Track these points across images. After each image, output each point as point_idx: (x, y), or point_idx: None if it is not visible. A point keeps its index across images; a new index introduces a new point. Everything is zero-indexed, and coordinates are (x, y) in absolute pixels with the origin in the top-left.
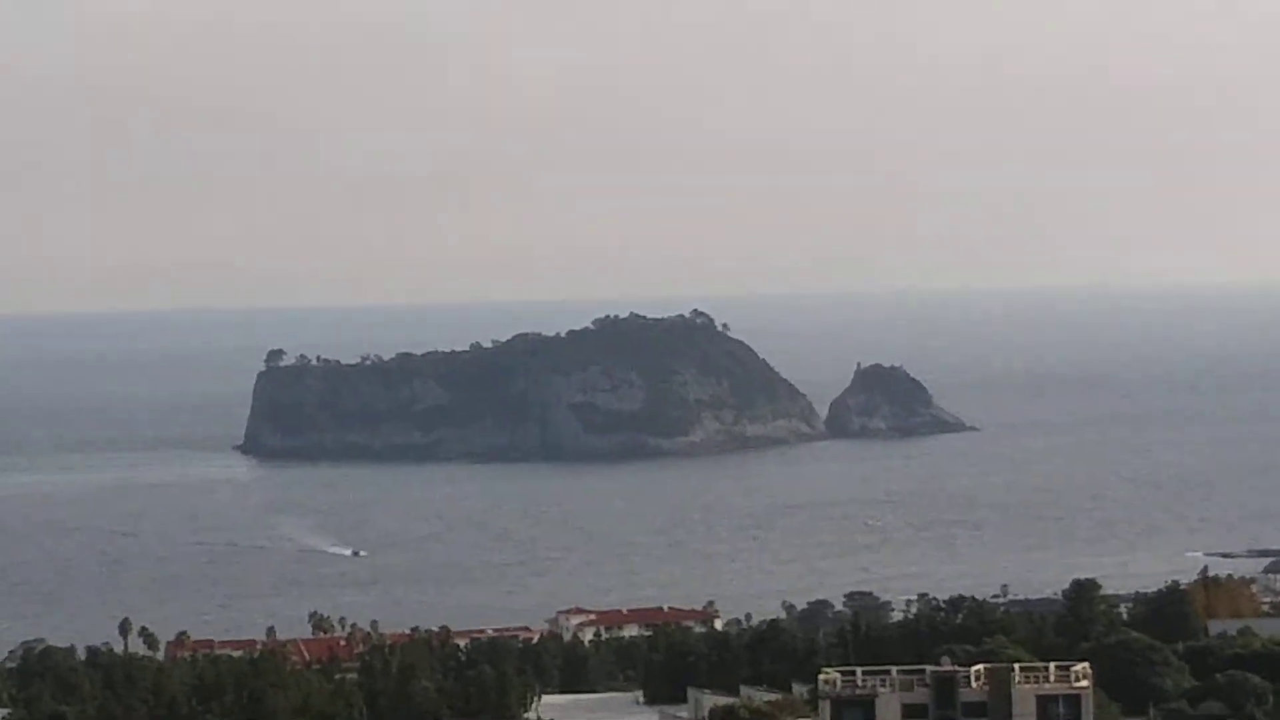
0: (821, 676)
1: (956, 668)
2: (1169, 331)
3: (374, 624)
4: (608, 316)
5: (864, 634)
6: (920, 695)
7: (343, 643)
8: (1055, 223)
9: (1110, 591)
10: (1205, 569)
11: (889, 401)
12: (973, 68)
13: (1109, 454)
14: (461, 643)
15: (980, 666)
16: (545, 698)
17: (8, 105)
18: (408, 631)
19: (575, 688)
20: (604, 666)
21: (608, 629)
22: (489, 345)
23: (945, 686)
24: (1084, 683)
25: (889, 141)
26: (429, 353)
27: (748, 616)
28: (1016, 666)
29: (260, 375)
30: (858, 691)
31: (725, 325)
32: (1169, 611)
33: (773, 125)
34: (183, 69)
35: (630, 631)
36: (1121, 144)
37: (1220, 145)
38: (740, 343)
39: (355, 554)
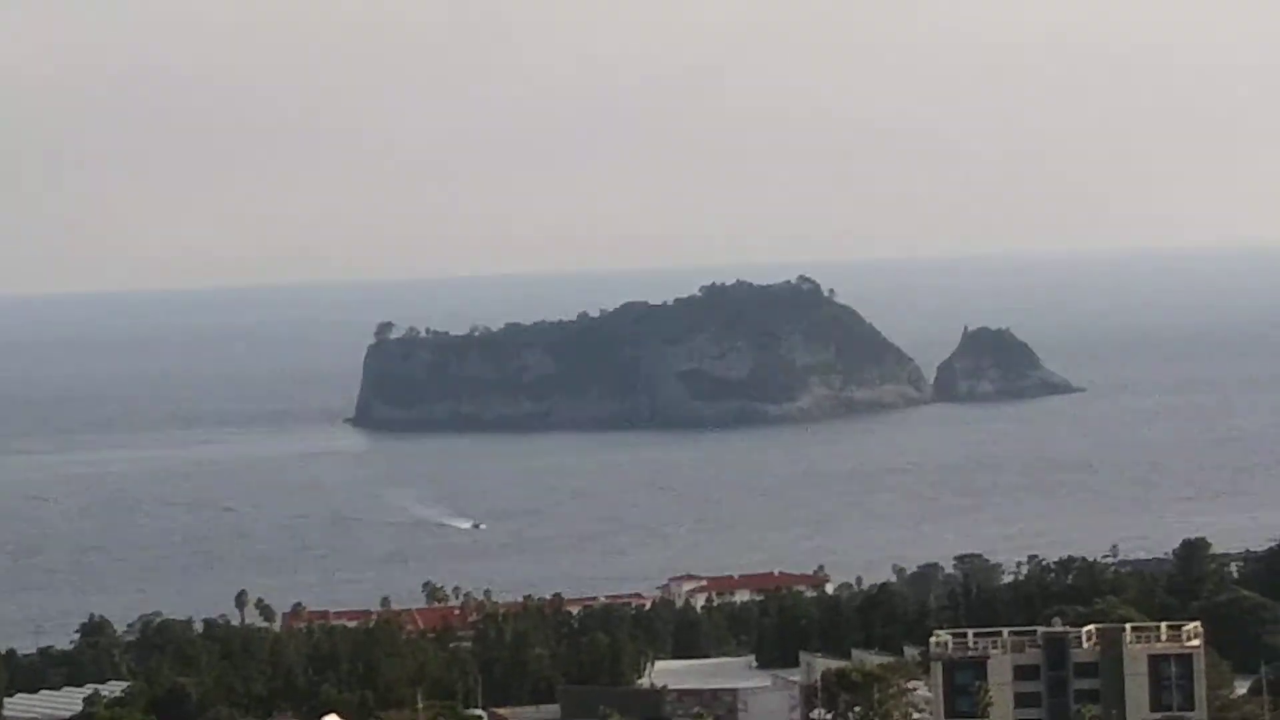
0: (933, 639)
1: (1068, 628)
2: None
3: (487, 593)
4: (714, 284)
5: (975, 596)
6: (1032, 656)
7: (457, 612)
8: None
9: (1220, 550)
10: None
11: (996, 364)
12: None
13: (1216, 414)
14: (574, 610)
15: (1091, 627)
16: (658, 663)
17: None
18: (521, 600)
19: (688, 653)
20: (716, 632)
21: (719, 595)
22: (596, 315)
23: (1057, 647)
24: (1195, 642)
25: (993, 113)
26: (537, 323)
27: (858, 580)
28: (1128, 626)
29: (370, 348)
30: (969, 653)
31: (831, 291)
32: None
33: (875, 103)
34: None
35: (742, 597)
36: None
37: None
38: (846, 308)
39: (476, 526)
